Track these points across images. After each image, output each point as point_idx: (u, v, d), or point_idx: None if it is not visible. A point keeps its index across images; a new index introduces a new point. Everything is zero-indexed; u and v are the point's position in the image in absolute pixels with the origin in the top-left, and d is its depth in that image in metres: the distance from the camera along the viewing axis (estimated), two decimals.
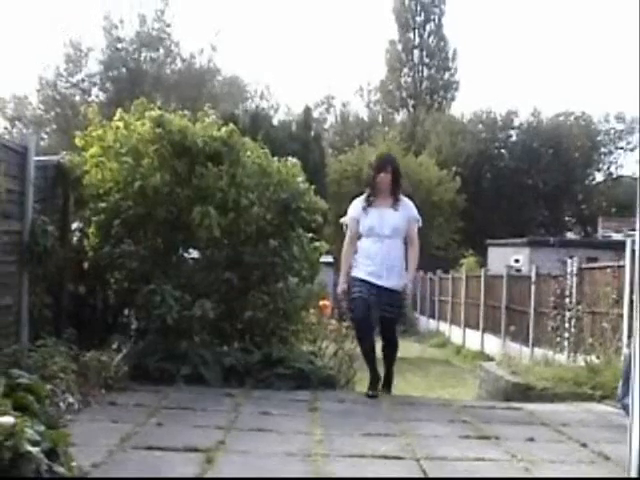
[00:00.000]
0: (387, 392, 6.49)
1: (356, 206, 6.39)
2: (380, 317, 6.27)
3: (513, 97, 77.34)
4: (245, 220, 6.95)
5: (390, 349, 6.56)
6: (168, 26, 36.99)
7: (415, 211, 6.44)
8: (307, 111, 35.25)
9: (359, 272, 6.27)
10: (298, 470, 3.94)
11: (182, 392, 5.97)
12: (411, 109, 47.35)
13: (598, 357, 8.54)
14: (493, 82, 72.28)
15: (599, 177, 43.73)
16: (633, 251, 8.51)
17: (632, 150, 42.31)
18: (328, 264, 13.62)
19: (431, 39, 46.81)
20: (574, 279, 12.98)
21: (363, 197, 6.40)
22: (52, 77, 36.82)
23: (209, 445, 4.26)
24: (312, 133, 32.64)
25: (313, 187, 7.46)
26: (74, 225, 7.03)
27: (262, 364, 6.62)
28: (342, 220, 6.59)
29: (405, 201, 6.38)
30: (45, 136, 37.27)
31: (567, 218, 43.58)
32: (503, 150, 42.55)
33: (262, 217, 7.05)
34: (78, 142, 7.20)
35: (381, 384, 6.47)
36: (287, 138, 29.48)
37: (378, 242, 6.22)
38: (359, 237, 6.37)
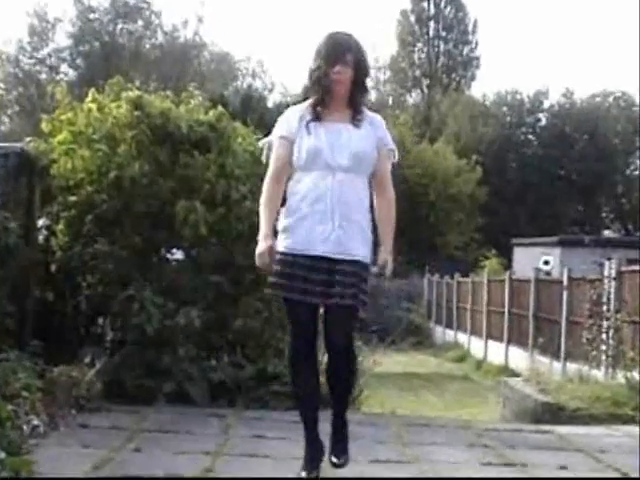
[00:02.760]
0: (340, 461, 4.23)
1: (290, 118, 4.24)
2: (327, 307, 4.10)
3: (542, 75, 77.47)
4: (236, 216, 6.96)
5: (343, 371, 4.26)
6: None
7: (388, 133, 4.36)
8: (306, 91, 35.32)
9: (289, 238, 4.11)
10: None
11: (164, 412, 5.98)
12: (425, 89, 47.42)
13: None
14: (519, 58, 72.38)
15: None
16: None
17: None
18: None
19: (448, 9, 46.88)
20: (612, 284, 12.98)
21: (303, 105, 4.29)
22: (14, 52, 36.93)
23: (194, 473, 4.27)
24: None
25: None
26: (40, 222, 7.04)
27: (255, 380, 6.63)
28: (263, 142, 4.42)
29: (371, 116, 4.30)
30: (6, 120, 37.37)
31: (605, 214, 43.60)
32: (531, 136, 42.61)
33: (255, 212, 7.04)
34: (45, 127, 7.21)
35: (326, 451, 4.23)
36: None
37: (327, 177, 4.10)
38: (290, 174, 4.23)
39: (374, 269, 4.21)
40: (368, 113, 4.31)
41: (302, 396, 4.30)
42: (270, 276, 4.14)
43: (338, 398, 4.31)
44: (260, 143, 4.47)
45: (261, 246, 4.07)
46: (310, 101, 4.24)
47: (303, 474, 4.09)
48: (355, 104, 4.23)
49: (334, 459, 4.19)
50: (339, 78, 4.13)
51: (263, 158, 4.35)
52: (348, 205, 4.09)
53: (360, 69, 4.21)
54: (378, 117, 4.36)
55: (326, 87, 4.16)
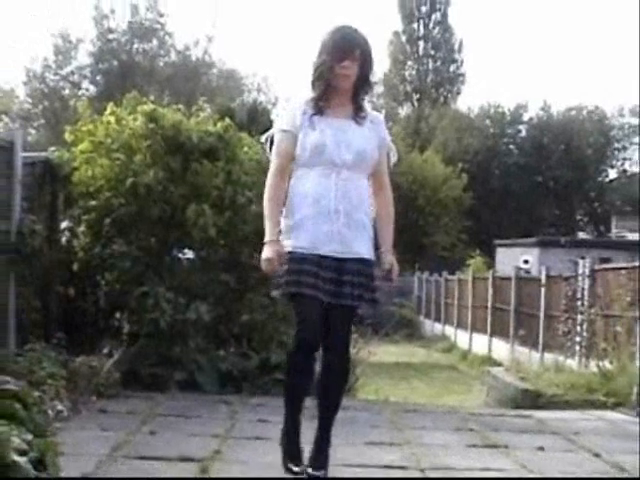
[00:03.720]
0: (319, 469, 3.71)
1: (294, 112, 3.82)
2: (332, 305, 3.68)
3: (522, 90, 77.38)
4: (242, 219, 6.95)
5: (340, 371, 3.85)
6: (162, 16, 37.02)
7: (387, 133, 4.00)
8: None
9: (295, 237, 3.71)
10: None
11: (176, 399, 5.97)
12: (415, 103, 47.34)
13: (611, 362, 8.54)
14: (501, 74, 72.37)
15: (612, 174, 43.74)
16: None
17: None
18: None
19: (436, 30, 46.80)
20: (586, 281, 12.96)
21: (306, 99, 3.84)
22: (40, 69, 36.84)
23: (204, 455, 4.26)
24: None
25: None
26: (63, 224, 7.03)
27: (260, 369, 6.62)
28: (265, 137, 3.98)
29: (373, 114, 3.94)
30: (33, 131, 37.29)
31: (579, 217, 43.58)
32: (512, 146, 42.56)
33: (260, 216, 7.02)
34: (67, 137, 7.20)
35: (310, 455, 3.78)
36: None
37: (331, 174, 3.73)
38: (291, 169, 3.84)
39: (378, 273, 3.86)
40: (370, 111, 3.93)
41: (297, 390, 3.86)
42: (278, 277, 3.70)
43: (330, 402, 3.82)
44: (262, 137, 3.98)
45: (269, 251, 3.66)
46: (313, 95, 3.81)
47: (296, 468, 3.73)
48: (358, 100, 3.85)
49: (311, 470, 3.71)
50: (346, 73, 3.74)
51: (267, 153, 3.93)
52: (352, 203, 3.73)
53: (366, 64, 3.82)
54: (379, 116, 4.00)
55: (331, 81, 3.76)
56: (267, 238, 3.71)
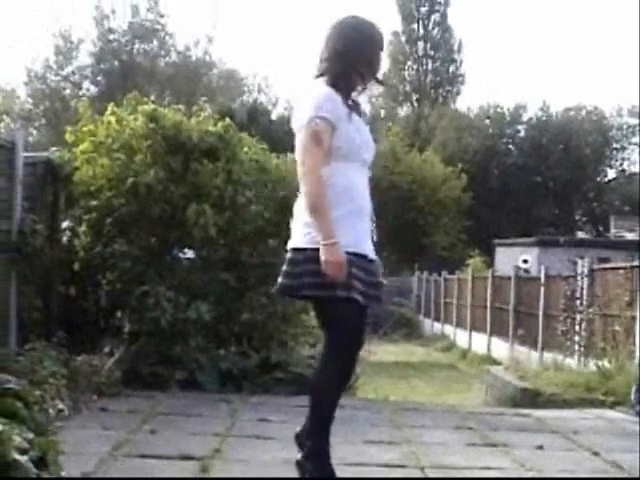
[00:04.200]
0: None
1: (336, 102, 3.44)
2: None
3: (521, 90, 77.40)
4: (242, 219, 6.95)
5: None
6: (162, 17, 37.03)
7: None
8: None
9: (348, 234, 3.38)
10: None
11: (177, 398, 5.97)
12: (415, 103, 47.37)
13: (610, 361, 8.55)
14: (501, 75, 72.37)
15: (611, 174, 43.74)
16: None
17: None
18: None
19: (436, 30, 46.85)
20: (585, 280, 12.96)
21: (333, 90, 3.48)
22: (41, 69, 36.87)
23: (205, 453, 4.26)
24: None
25: None
26: (64, 224, 7.04)
27: (260, 368, 6.62)
28: (318, 115, 3.40)
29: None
30: (34, 131, 37.30)
31: (578, 217, 43.57)
32: (511, 146, 42.54)
33: (260, 215, 7.05)
34: (68, 137, 7.20)
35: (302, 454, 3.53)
36: (286, 133, 29.49)
37: (361, 172, 3.54)
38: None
39: None
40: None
41: (337, 403, 3.54)
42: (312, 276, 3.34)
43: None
44: (318, 115, 3.39)
45: (338, 255, 3.28)
46: (349, 87, 3.52)
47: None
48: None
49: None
50: (380, 67, 3.67)
51: (311, 136, 3.40)
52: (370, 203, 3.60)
53: None
54: None
55: (368, 73, 3.58)
56: (331, 239, 3.30)
